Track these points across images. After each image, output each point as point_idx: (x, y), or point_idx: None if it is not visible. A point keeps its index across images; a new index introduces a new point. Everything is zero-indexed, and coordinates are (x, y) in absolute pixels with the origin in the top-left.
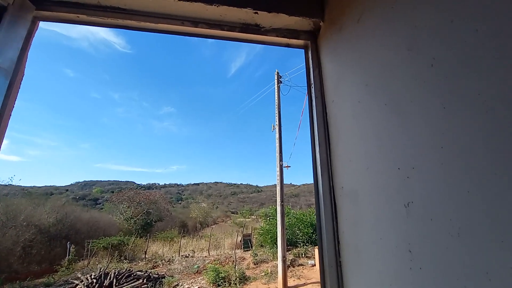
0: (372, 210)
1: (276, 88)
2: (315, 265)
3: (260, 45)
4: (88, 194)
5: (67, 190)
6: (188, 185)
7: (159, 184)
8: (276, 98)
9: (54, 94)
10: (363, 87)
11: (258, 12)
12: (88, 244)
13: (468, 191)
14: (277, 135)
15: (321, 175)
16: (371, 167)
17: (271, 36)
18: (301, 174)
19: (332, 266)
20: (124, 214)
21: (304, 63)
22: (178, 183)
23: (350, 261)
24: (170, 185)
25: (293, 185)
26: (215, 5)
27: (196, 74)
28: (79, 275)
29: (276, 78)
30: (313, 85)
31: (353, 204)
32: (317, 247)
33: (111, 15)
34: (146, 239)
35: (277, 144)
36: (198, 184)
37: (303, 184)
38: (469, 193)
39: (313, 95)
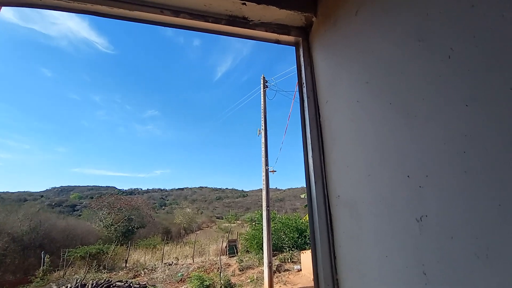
0: (376, 223)
1: (262, 92)
2: (301, 270)
3: (247, 50)
4: (65, 200)
5: (42, 196)
6: (172, 190)
7: (141, 189)
8: (262, 103)
9: (28, 94)
10: (362, 86)
11: (247, 3)
12: (64, 254)
13: (499, 204)
14: (263, 140)
15: (315, 182)
16: (374, 175)
17: (260, 31)
18: (286, 179)
19: (329, 284)
20: (103, 221)
21: (295, 62)
22: (162, 188)
23: (349, 280)
24: (154, 190)
25: (278, 190)
26: None
27: (182, 78)
28: (54, 287)
29: (262, 83)
30: (304, 85)
31: (352, 216)
32: (303, 252)
33: None
34: (127, 247)
35: (263, 149)
36: (182, 189)
37: (288, 189)
38: (501, 207)
39: (304, 95)
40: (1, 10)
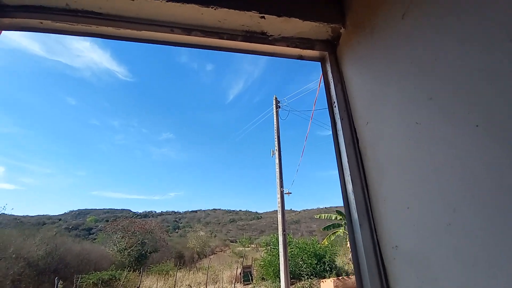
0: None
1: (274, 113)
2: None
3: (258, 72)
4: (82, 223)
5: (60, 220)
6: (185, 212)
7: (155, 212)
8: (275, 123)
9: (53, 121)
10: (423, 103)
11: (265, 16)
12: (77, 280)
13: None
14: (276, 161)
15: (360, 224)
16: (458, 225)
17: (280, 46)
18: (301, 199)
19: None
20: (117, 245)
21: (322, 79)
22: (176, 211)
23: None
24: (167, 213)
25: (293, 211)
26: (212, 8)
27: (196, 101)
28: None
29: (274, 103)
30: (336, 104)
31: (423, 279)
32: (322, 280)
33: (83, 21)
34: (140, 272)
35: (277, 170)
36: (196, 211)
37: (304, 210)
38: None
39: (336, 116)
40: (0, 34)
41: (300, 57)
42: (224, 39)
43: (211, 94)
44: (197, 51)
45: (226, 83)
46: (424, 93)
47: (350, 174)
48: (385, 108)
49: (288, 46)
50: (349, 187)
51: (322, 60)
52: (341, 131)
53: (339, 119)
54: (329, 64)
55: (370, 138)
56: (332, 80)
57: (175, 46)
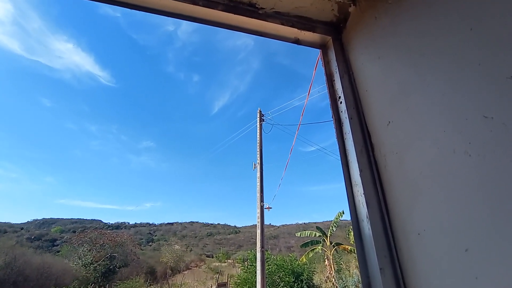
0: None
1: (258, 126)
2: None
3: (244, 86)
4: (46, 233)
5: (22, 229)
6: (161, 224)
7: (129, 223)
8: (258, 137)
9: (24, 123)
10: (499, 85)
11: None
12: None
13: None
14: (258, 174)
15: (381, 273)
16: None
17: (273, 23)
18: (281, 214)
19: None
20: (83, 258)
21: (323, 70)
22: (150, 223)
23: None
24: (141, 225)
25: (272, 226)
26: None
27: (180, 111)
28: None
29: (258, 116)
30: (342, 100)
31: None
32: None
33: None
34: None
35: (258, 184)
36: (172, 223)
37: (283, 225)
38: None
39: (343, 114)
40: None
41: (297, 41)
42: (199, 5)
43: (196, 105)
44: (183, 59)
45: (211, 95)
46: (500, 71)
47: (364, 194)
48: (424, 100)
49: (282, 24)
50: (364, 215)
51: (323, 47)
52: (350, 133)
53: (347, 119)
54: (333, 52)
55: (394, 144)
56: (336, 71)
57: (127, 7)
